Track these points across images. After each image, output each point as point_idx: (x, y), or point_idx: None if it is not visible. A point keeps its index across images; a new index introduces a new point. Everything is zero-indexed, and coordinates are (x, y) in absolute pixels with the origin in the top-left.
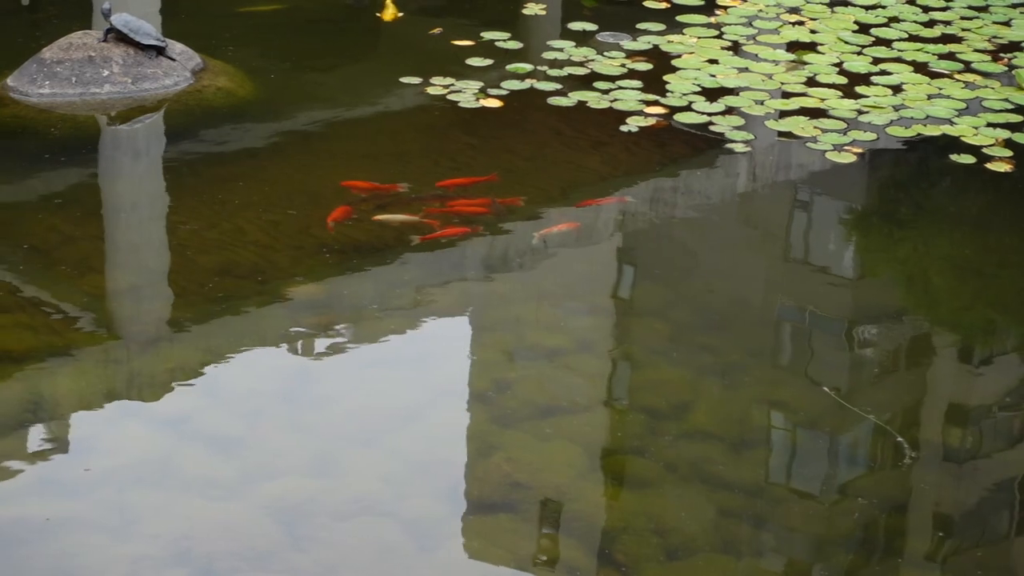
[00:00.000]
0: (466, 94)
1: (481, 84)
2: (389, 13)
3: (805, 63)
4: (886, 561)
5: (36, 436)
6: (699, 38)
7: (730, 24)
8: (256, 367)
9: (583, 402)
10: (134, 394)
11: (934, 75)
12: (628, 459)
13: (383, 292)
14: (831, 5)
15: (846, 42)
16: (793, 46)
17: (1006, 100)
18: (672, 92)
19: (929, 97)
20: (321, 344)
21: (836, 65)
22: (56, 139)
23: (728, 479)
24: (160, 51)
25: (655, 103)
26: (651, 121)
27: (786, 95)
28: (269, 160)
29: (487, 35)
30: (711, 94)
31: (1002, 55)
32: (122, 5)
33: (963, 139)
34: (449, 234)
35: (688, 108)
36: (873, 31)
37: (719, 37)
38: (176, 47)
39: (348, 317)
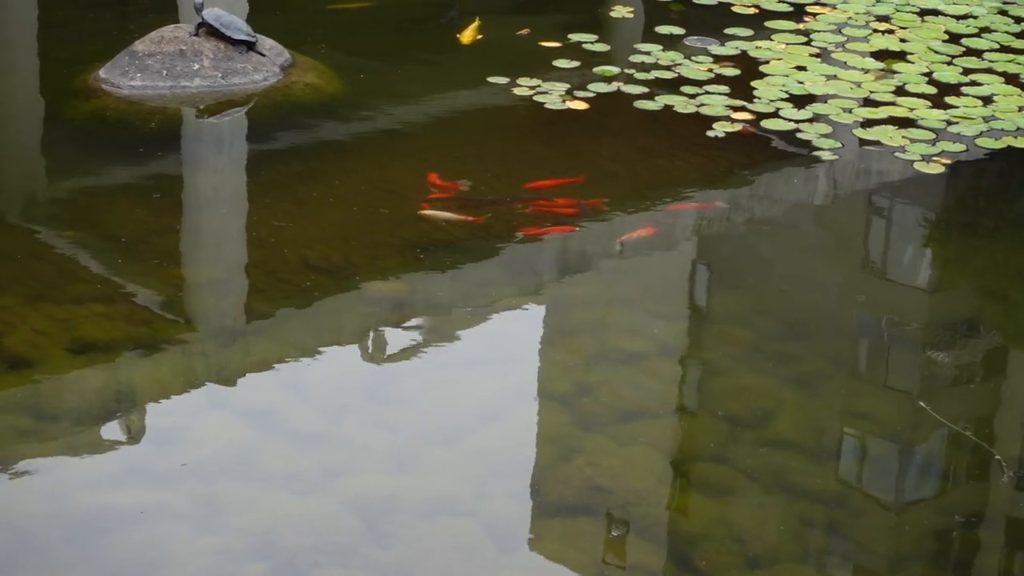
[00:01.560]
0: (552, 95)
1: (567, 86)
2: (468, 36)
3: (894, 72)
4: None
5: (122, 426)
6: (787, 44)
7: (819, 31)
8: (338, 362)
9: (664, 407)
10: (218, 386)
11: None
12: (709, 466)
13: (465, 291)
14: (921, 14)
15: (936, 52)
16: (882, 54)
17: None
18: (759, 98)
19: (1020, 109)
20: (402, 341)
21: (926, 75)
22: (146, 131)
23: (809, 488)
24: (250, 46)
25: (742, 109)
26: (737, 127)
27: (874, 104)
28: (354, 157)
29: (574, 37)
30: (798, 101)
31: None
32: (213, 0)
33: None
34: (550, 232)
35: (775, 115)
36: (964, 41)
37: (807, 44)
38: (266, 43)
39: (429, 315)
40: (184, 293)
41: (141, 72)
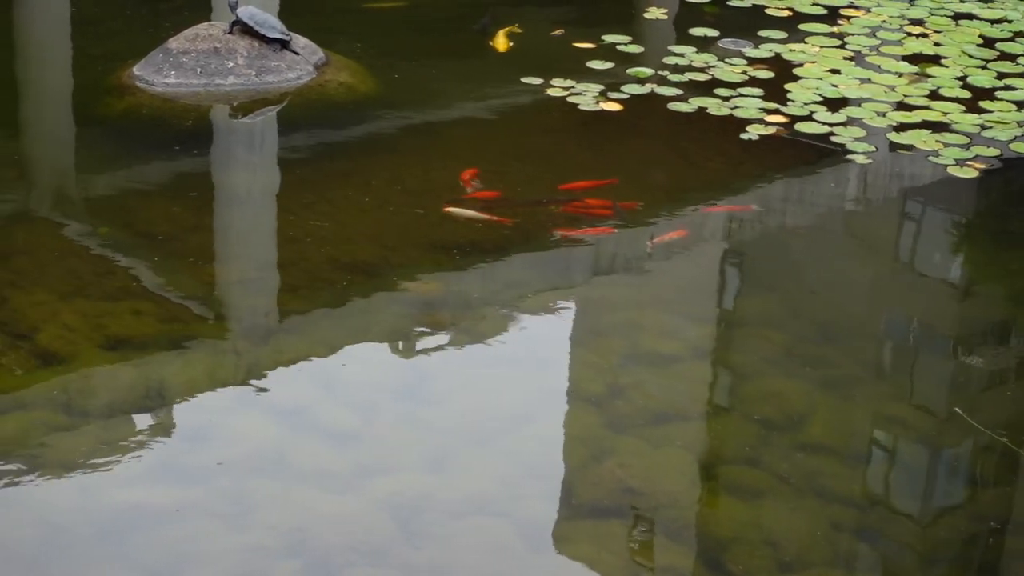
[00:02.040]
0: (586, 97)
1: (601, 87)
2: (501, 43)
3: (928, 76)
4: None
5: (154, 423)
6: (821, 47)
7: (853, 34)
8: (370, 362)
9: (696, 409)
10: (252, 385)
11: None
12: (741, 469)
13: (497, 291)
14: (956, 18)
15: (970, 56)
16: (916, 58)
17: None
18: (793, 101)
19: None
20: (434, 341)
21: (960, 79)
22: (180, 129)
23: (842, 493)
24: (284, 45)
25: (776, 112)
26: (771, 130)
27: (908, 108)
28: (387, 156)
29: (608, 38)
30: (832, 104)
31: None
32: None
33: None
34: (588, 233)
35: (809, 118)
36: (998, 45)
37: (841, 47)
38: (300, 41)
39: (462, 315)
40: (217, 291)
41: (175, 70)
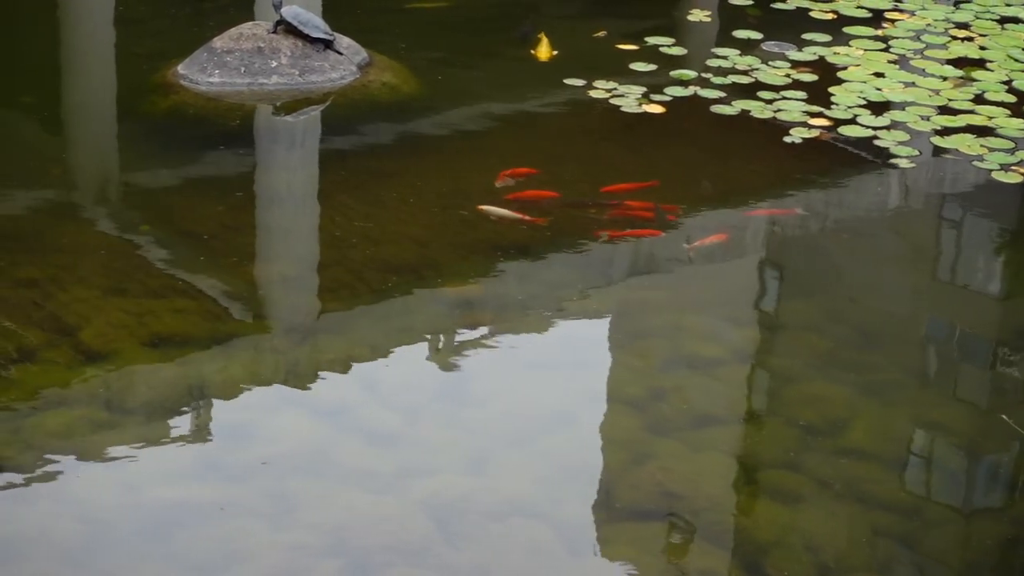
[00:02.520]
0: (629, 99)
1: (644, 89)
2: (544, 52)
3: (973, 80)
4: None
5: (196, 420)
6: (865, 50)
7: (897, 37)
8: (411, 363)
9: (736, 413)
10: (292, 384)
11: None
12: (781, 473)
13: (537, 293)
14: (1001, 22)
15: (1016, 60)
16: (961, 62)
17: None
18: (837, 104)
19: None
20: (475, 342)
21: (1005, 83)
22: (224, 128)
23: (882, 498)
24: (328, 45)
25: (819, 115)
26: (814, 133)
27: (952, 112)
28: (430, 157)
29: (651, 40)
30: (876, 108)
31: None
32: None
33: None
34: (637, 235)
35: (853, 121)
36: None
37: (886, 50)
38: (343, 41)
39: (502, 316)
40: (258, 290)
41: (219, 69)
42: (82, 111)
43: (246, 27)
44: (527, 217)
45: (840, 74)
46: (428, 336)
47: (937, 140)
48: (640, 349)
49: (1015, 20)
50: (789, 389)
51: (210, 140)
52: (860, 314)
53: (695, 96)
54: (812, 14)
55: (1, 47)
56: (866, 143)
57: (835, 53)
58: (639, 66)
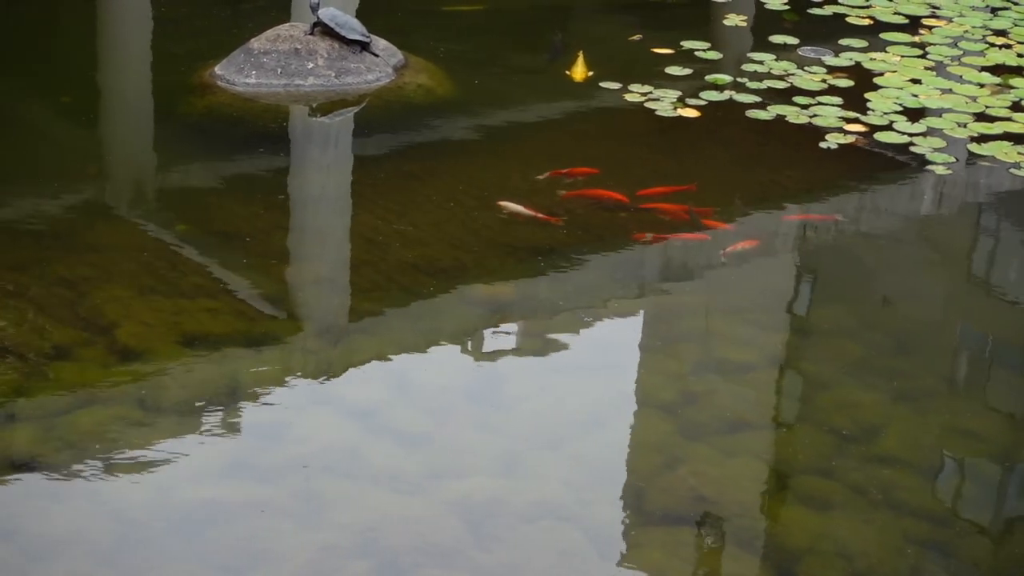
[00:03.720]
0: (664, 103)
1: (679, 93)
2: (579, 72)
3: (1011, 87)
4: None
5: (228, 420)
6: (902, 56)
7: (934, 44)
8: (442, 364)
9: (769, 419)
10: (325, 384)
11: None
12: (814, 479)
13: (570, 295)
14: None
15: None
16: (999, 69)
17: None
18: (873, 110)
19: None
20: (507, 344)
21: None
22: (260, 129)
23: (916, 506)
24: (364, 46)
25: (855, 121)
26: (850, 139)
27: (989, 119)
28: (464, 159)
29: (686, 44)
30: (912, 114)
31: None
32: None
33: None
34: (681, 238)
35: (889, 127)
36: None
37: (923, 56)
38: (379, 43)
39: (533, 318)
40: (291, 290)
41: (256, 70)
42: (119, 111)
43: (283, 28)
44: (541, 215)
45: (876, 80)
46: (460, 337)
47: (973, 147)
48: (672, 353)
49: None
50: (821, 395)
51: (246, 141)
52: (893, 320)
53: (730, 100)
54: (849, 20)
55: (40, 47)
56: (902, 149)
57: (872, 59)
58: (674, 70)
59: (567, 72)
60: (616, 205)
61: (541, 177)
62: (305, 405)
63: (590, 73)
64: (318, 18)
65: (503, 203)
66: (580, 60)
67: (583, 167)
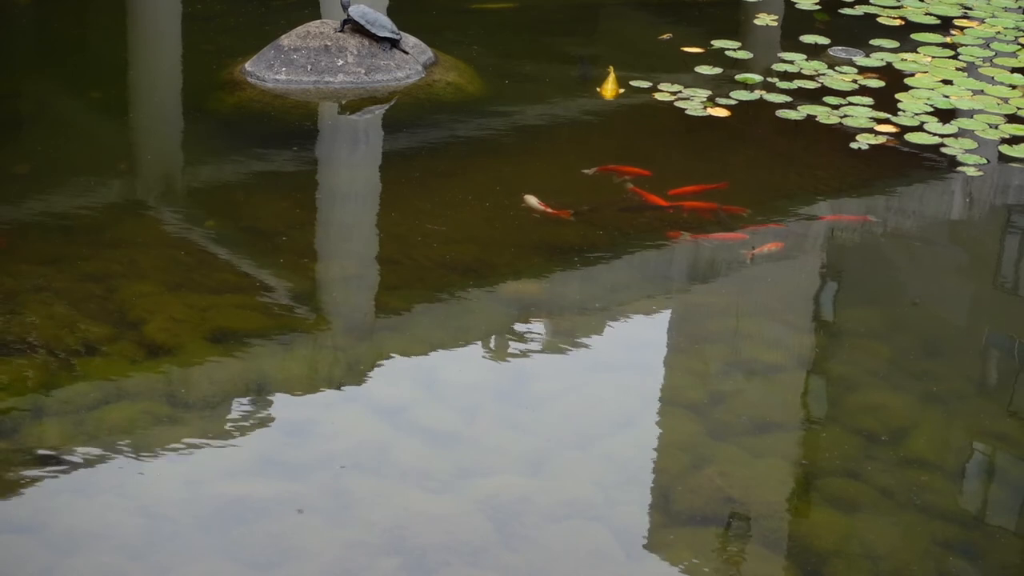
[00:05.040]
0: (694, 102)
1: (709, 92)
2: (610, 90)
3: None
4: None
5: (256, 416)
6: (933, 57)
7: (966, 45)
8: (471, 362)
9: (797, 420)
10: (352, 381)
11: None
12: (842, 481)
13: (597, 294)
14: None
15: None
16: None
17: None
18: (904, 111)
19: None
20: (535, 343)
21: None
22: (289, 125)
23: (944, 508)
24: (394, 44)
25: (886, 121)
26: (881, 139)
27: (1021, 120)
28: (493, 157)
29: (716, 43)
30: (943, 115)
31: None
32: None
33: None
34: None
35: (920, 128)
36: None
37: (954, 57)
38: (409, 40)
39: (563, 317)
40: (320, 287)
41: (286, 66)
42: (149, 107)
43: (313, 25)
44: (551, 210)
45: (907, 81)
46: (488, 336)
47: (1005, 148)
48: (701, 353)
49: None
50: (849, 396)
51: (275, 137)
52: (922, 322)
53: (760, 100)
54: (880, 20)
55: (71, 42)
56: (933, 151)
57: (903, 59)
58: (704, 69)
59: (597, 90)
60: (644, 205)
61: (589, 172)
62: (333, 402)
63: (621, 91)
64: (348, 15)
65: (526, 197)
66: (611, 78)
67: (633, 167)
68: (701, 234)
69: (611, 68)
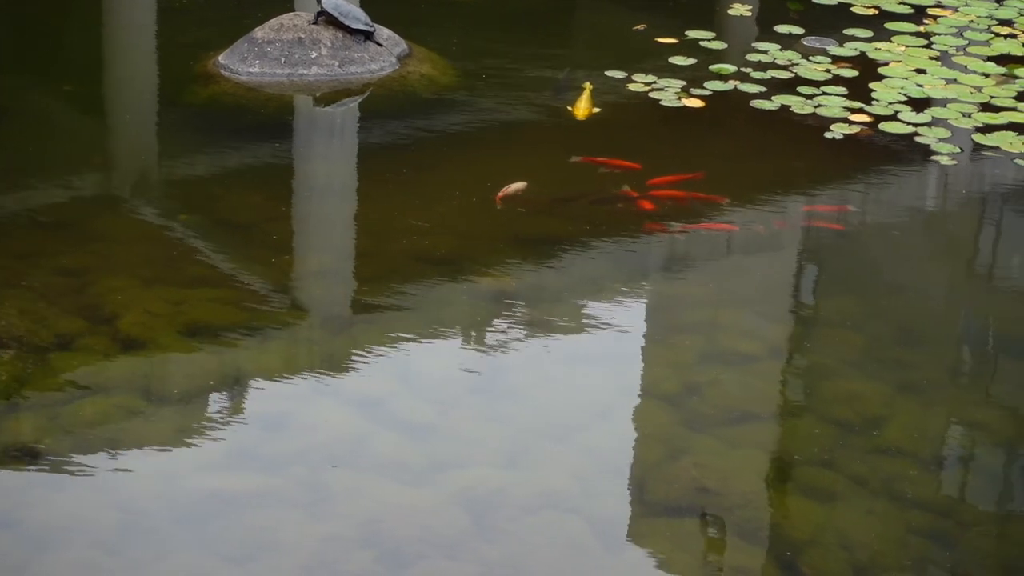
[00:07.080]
0: (668, 92)
1: (683, 83)
2: (582, 109)
3: (1016, 77)
4: None
5: (232, 410)
6: (907, 47)
7: (939, 34)
8: (445, 354)
9: (772, 410)
10: (328, 374)
11: None
12: (817, 471)
13: (573, 285)
14: None
15: None
16: (1004, 59)
17: None
18: (878, 100)
19: None
20: (510, 334)
21: None
22: (263, 118)
23: (919, 497)
24: (368, 36)
25: (860, 111)
26: (855, 129)
27: (994, 109)
28: (467, 149)
29: (691, 34)
30: (917, 104)
31: None
32: None
33: None
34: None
35: (893, 117)
36: None
37: (928, 46)
38: (383, 32)
39: (539, 309)
40: (295, 280)
41: (260, 59)
42: (123, 100)
43: (287, 18)
44: (511, 190)
45: (881, 70)
46: (464, 328)
47: (978, 137)
48: (677, 344)
49: None
50: (825, 386)
51: (249, 130)
52: (898, 311)
53: (735, 91)
54: (853, 9)
55: (44, 35)
56: (907, 140)
57: (876, 49)
58: (679, 60)
59: (569, 108)
60: (617, 198)
61: (576, 160)
62: (308, 395)
63: (596, 110)
64: (322, 7)
65: (510, 186)
66: (585, 95)
67: (622, 160)
68: (682, 224)
69: (587, 85)
